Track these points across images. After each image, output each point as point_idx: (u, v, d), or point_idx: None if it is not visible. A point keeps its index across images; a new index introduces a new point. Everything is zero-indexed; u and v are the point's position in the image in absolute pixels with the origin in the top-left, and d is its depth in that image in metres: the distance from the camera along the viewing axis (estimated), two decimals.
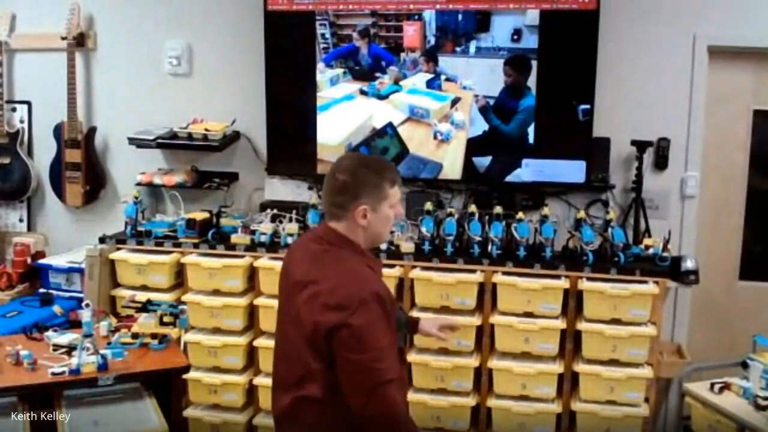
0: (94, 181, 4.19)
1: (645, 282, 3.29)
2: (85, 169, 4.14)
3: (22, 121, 4.29)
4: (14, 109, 4.29)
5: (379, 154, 2.39)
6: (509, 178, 3.70)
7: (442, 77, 3.69)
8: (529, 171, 3.66)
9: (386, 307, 1.95)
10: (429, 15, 3.65)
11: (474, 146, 3.70)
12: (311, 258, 2.06)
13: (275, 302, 2.29)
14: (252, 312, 3.60)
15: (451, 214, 3.53)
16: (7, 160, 4.21)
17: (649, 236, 3.57)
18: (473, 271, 3.39)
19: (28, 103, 4.29)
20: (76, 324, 3.23)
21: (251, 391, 3.62)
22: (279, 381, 2.12)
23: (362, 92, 3.79)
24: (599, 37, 3.49)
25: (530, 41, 3.56)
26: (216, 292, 3.58)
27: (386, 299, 1.97)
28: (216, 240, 3.69)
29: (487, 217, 3.51)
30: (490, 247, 3.42)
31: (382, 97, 3.76)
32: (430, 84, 3.71)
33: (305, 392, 1.98)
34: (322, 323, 1.90)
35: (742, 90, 3.72)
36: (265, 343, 3.47)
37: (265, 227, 3.62)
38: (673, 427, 3.48)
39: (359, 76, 3.79)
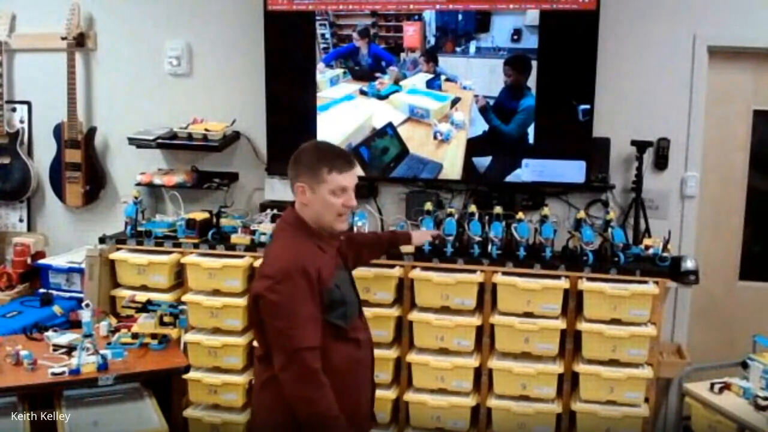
0: (94, 181, 4.19)
1: (645, 282, 3.29)
2: (85, 169, 4.14)
3: (22, 121, 4.29)
4: (14, 109, 4.29)
5: (337, 146, 2.49)
6: (509, 178, 3.70)
7: (442, 77, 3.69)
8: (529, 171, 3.66)
9: (311, 281, 2.15)
10: (429, 15, 3.65)
11: (474, 146, 3.70)
12: (273, 237, 2.43)
13: None
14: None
15: (451, 214, 3.53)
16: (7, 160, 4.21)
17: (649, 236, 3.57)
18: (473, 272, 3.39)
19: (28, 103, 4.29)
20: (76, 324, 3.24)
21: (251, 391, 3.62)
22: (255, 360, 2.46)
23: (362, 92, 3.79)
24: (599, 37, 3.49)
25: (530, 41, 3.56)
26: (216, 292, 3.58)
27: (313, 275, 2.16)
28: (216, 240, 3.69)
29: (487, 217, 3.51)
30: (490, 247, 3.42)
31: (382, 97, 3.77)
32: (430, 84, 3.71)
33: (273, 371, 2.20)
34: (253, 290, 2.22)
35: (742, 90, 3.72)
36: None
37: (265, 227, 3.62)
38: (673, 427, 3.49)
39: (359, 76, 3.79)
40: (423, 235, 3.31)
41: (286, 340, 2.12)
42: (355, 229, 3.45)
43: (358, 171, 2.33)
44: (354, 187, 2.30)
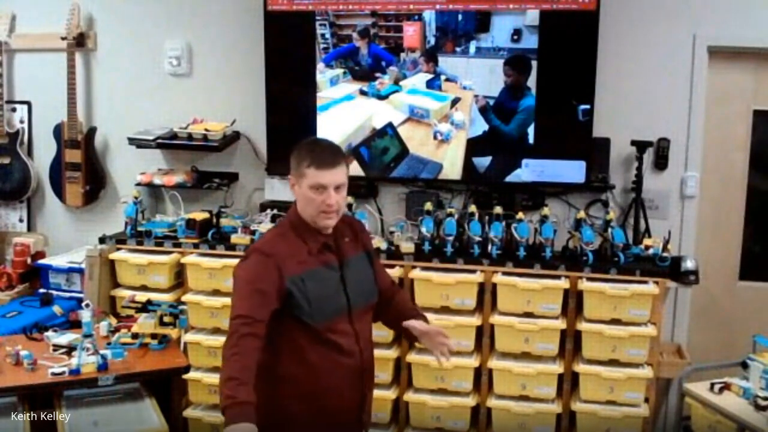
0: (94, 181, 4.19)
1: (645, 282, 3.29)
2: (85, 169, 4.14)
3: (22, 121, 4.29)
4: (14, 109, 4.29)
5: (331, 142, 2.42)
6: (509, 178, 3.69)
7: (442, 77, 3.69)
8: (529, 171, 3.66)
9: (269, 263, 2.18)
10: (429, 15, 3.65)
11: (474, 146, 3.70)
12: None
13: None
14: None
15: (451, 215, 3.53)
16: (7, 160, 4.21)
17: (649, 236, 3.57)
18: (473, 272, 3.39)
19: (28, 103, 4.29)
20: (76, 324, 3.24)
21: None
22: None
23: (362, 92, 3.79)
24: (599, 37, 3.49)
25: (530, 41, 3.56)
26: (216, 292, 3.58)
27: (273, 258, 2.18)
28: (216, 240, 3.70)
29: (487, 218, 3.51)
30: (490, 248, 3.42)
31: (382, 97, 3.76)
32: (430, 84, 3.71)
33: None
34: None
35: (742, 90, 3.72)
36: None
37: (265, 227, 3.62)
38: (673, 427, 3.48)
39: (359, 76, 3.79)
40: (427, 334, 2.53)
41: (232, 308, 2.17)
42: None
43: (340, 171, 2.24)
44: (336, 187, 2.23)
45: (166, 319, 2.93)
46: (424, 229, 3.50)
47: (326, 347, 2.25)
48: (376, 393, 2.66)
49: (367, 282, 2.41)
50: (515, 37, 3.57)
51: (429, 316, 3.38)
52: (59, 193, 4.21)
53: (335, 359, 2.26)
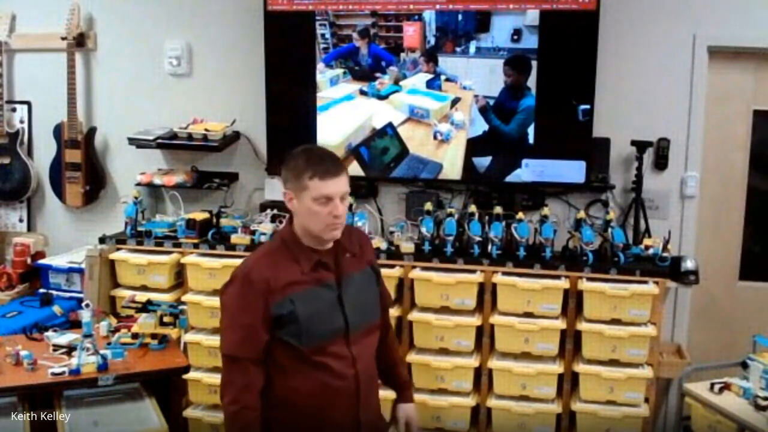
0: (94, 181, 4.19)
1: (645, 282, 3.29)
2: (85, 169, 4.14)
3: (22, 121, 4.29)
4: (14, 109, 4.29)
5: (327, 149, 2.26)
6: (509, 178, 3.69)
7: (442, 77, 3.69)
8: (529, 171, 3.66)
9: (255, 290, 2.06)
10: (429, 15, 3.65)
11: (474, 146, 3.70)
12: None
13: None
14: None
15: (451, 215, 3.53)
16: (7, 160, 4.21)
17: (649, 236, 3.57)
18: (473, 272, 3.39)
19: (28, 103, 4.29)
20: (76, 324, 3.24)
21: None
22: None
23: (362, 92, 3.79)
24: (599, 37, 3.49)
25: (530, 41, 3.56)
26: (216, 292, 3.56)
27: (259, 284, 2.06)
28: (216, 240, 3.70)
29: (487, 218, 3.51)
30: (490, 248, 3.42)
31: (382, 97, 3.76)
32: (430, 84, 3.71)
33: None
34: None
35: (742, 90, 3.72)
36: None
37: (265, 227, 3.62)
38: (673, 427, 3.49)
39: (359, 77, 3.79)
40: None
41: (220, 341, 2.13)
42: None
43: (344, 180, 2.11)
44: (342, 196, 2.10)
45: (166, 319, 2.92)
46: (424, 229, 3.50)
47: (313, 369, 2.10)
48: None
49: (370, 301, 2.26)
50: (515, 37, 3.57)
51: (429, 316, 3.40)
52: (59, 193, 4.21)
53: (323, 382, 2.11)
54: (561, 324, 3.32)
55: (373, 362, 2.27)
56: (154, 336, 2.91)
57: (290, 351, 2.09)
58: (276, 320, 2.06)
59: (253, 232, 3.64)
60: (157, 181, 3.97)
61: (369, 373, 2.23)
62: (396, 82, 3.74)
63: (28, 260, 4.06)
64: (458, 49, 3.65)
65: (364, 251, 2.28)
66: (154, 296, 3.37)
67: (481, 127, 3.68)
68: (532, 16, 3.54)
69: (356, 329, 2.17)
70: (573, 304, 3.36)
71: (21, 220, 4.37)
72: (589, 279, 3.32)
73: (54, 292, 3.87)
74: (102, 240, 3.79)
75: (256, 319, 2.06)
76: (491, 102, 3.65)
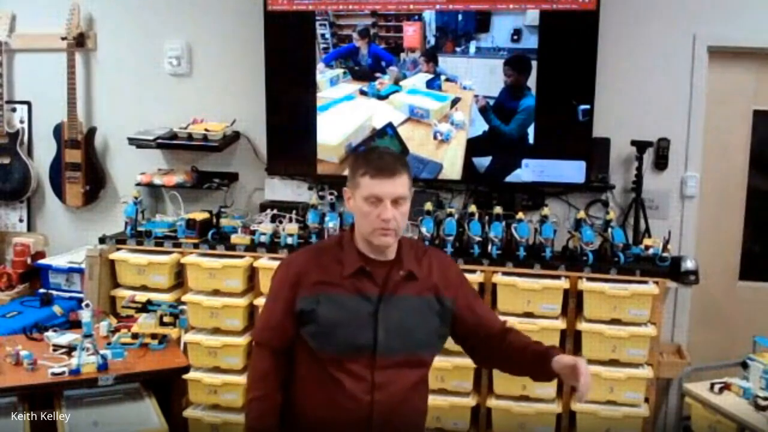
0: (94, 181, 4.19)
1: (645, 282, 3.29)
2: (85, 169, 4.14)
3: (22, 121, 4.29)
4: (14, 109, 4.29)
5: (392, 150, 2.21)
6: (509, 178, 3.69)
7: (442, 77, 3.68)
8: (529, 171, 3.66)
9: (286, 278, 2.05)
10: (429, 15, 3.65)
11: (474, 146, 3.70)
12: None
13: None
14: (252, 312, 3.60)
15: (451, 215, 3.53)
16: (7, 160, 4.21)
17: (649, 236, 3.57)
18: (473, 272, 3.39)
19: (28, 103, 4.29)
20: (76, 324, 3.23)
21: None
22: None
23: (362, 92, 3.79)
24: (599, 37, 3.49)
25: (530, 41, 3.56)
26: (216, 292, 3.58)
27: (292, 275, 2.04)
28: (216, 240, 3.69)
29: (487, 218, 3.51)
30: (490, 248, 3.42)
31: (382, 97, 3.76)
32: (430, 84, 3.71)
33: None
34: None
35: (742, 90, 3.72)
36: None
37: (265, 227, 3.62)
38: (673, 427, 3.49)
39: (359, 77, 3.79)
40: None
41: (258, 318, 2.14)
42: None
43: (400, 182, 1.96)
44: (395, 199, 1.95)
45: (166, 319, 2.92)
46: (424, 229, 3.50)
47: (327, 382, 1.99)
48: None
49: (417, 331, 2.03)
50: (515, 37, 3.57)
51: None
52: (59, 193, 4.21)
53: (333, 398, 1.99)
54: (561, 324, 3.32)
55: (404, 399, 2.03)
56: (154, 336, 2.91)
57: (309, 355, 2.02)
58: (299, 315, 2.01)
59: (253, 232, 3.64)
60: (157, 181, 3.97)
61: (392, 408, 2.00)
62: (396, 82, 3.74)
63: (28, 260, 4.06)
64: (458, 49, 3.65)
65: (432, 276, 2.07)
66: (154, 296, 3.37)
67: (481, 127, 3.68)
68: (532, 16, 3.54)
69: (387, 354, 1.98)
70: (573, 304, 3.36)
71: (21, 220, 4.36)
72: (589, 279, 3.32)
73: (54, 292, 3.86)
74: (102, 240, 3.79)
75: (283, 309, 2.03)
76: (491, 102, 3.65)
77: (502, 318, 2.24)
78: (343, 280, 2.00)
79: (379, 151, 2.10)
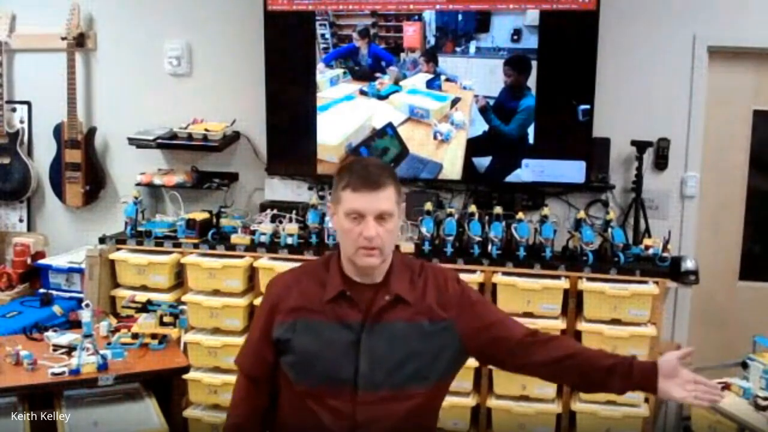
0: (94, 181, 4.19)
1: (645, 282, 3.29)
2: (85, 169, 4.14)
3: (22, 121, 4.29)
4: (14, 109, 4.29)
5: (378, 160, 2.02)
6: (509, 178, 3.69)
7: (442, 77, 3.68)
8: (529, 171, 3.66)
9: (265, 302, 1.91)
10: (429, 15, 3.65)
11: (474, 146, 3.70)
12: None
13: None
14: (252, 312, 3.59)
15: (451, 215, 3.53)
16: (7, 160, 4.21)
17: (649, 236, 3.57)
18: (473, 272, 3.39)
19: (28, 103, 4.29)
20: (76, 324, 3.23)
21: None
22: None
23: (362, 92, 3.79)
24: (599, 37, 3.49)
25: (530, 41, 3.56)
26: (216, 293, 3.58)
27: (272, 299, 1.89)
28: (216, 240, 3.69)
29: (487, 218, 3.51)
30: (490, 248, 3.42)
31: (382, 97, 3.76)
32: (430, 84, 3.71)
33: None
34: None
35: (742, 90, 3.72)
36: None
37: (265, 227, 3.62)
38: (673, 427, 3.48)
39: (359, 77, 3.79)
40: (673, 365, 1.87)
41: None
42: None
43: (385, 196, 1.77)
44: (379, 215, 1.77)
45: (166, 319, 2.92)
46: (424, 229, 3.50)
47: (306, 415, 1.82)
48: None
49: (410, 362, 1.81)
50: (515, 37, 3.57)
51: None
52: (59, 193, 4.21)
53: (310, 428, 1.83)
54: (561, 324, 3.32)
55: None
56: (154, 336, 2.91)
57: (289, 387, 1.86)
58: (276, 343, 1.85)
59: (253, 232, 3.64)
60: (157, 181, 3.97)
61: None
62: (396, 82, 3.74)
63: (28, 260, 4.06)
64: (458, 49, 3.65)
65: (426, 298, 1.86)
66: (154, 296, 3.37)
67: (481, 127, 3.68)
68: (532, 16, 3.54)
69: (370, 389, 1.79)
70: (573, 304, 3.36)
71: (21, 220, 4.36)
72: (589, 279, 3.32)
73: (54, 292, 3.86)
74: (102, 240, 3.79)
75: (260, 335, 1.89)
76: (491, 102, 3.65)
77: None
78: (323, 306, 1.83)
79: (363, 162, 1.89)
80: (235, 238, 3.65)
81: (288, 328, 1.84)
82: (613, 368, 1.81)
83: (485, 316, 1.93)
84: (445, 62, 3.67)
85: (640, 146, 3.58)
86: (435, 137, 3.73)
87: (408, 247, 3.53)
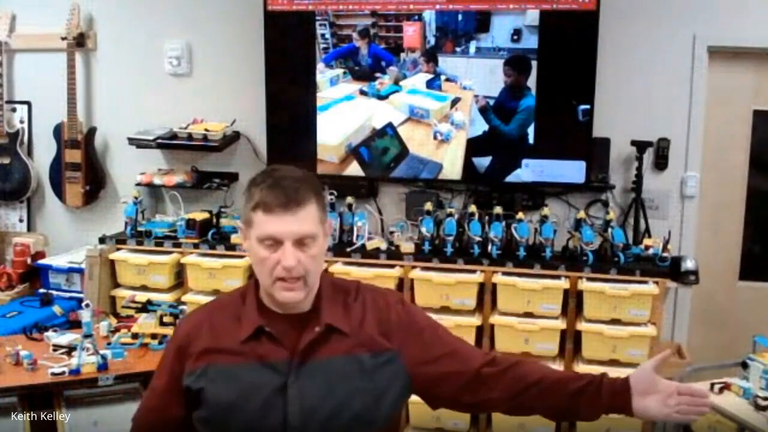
0: (94, 181, 4.19)
1: (645, 282, 3.29)
2: (85, 169, 4.14)
3: (22, 121, 4.29)
4: (14, 109, 4.29)
5: (296, 171, 1.59)
6: (509, 179, 3.69)
7: (442, 77, 3.68)
8: (529, 171, 3.66)
9: (172, 344, 1.63)
10: (429, 15, 3.65)
11: (474, 146, 3.70)
12: None
13: None
14: None
15: (451, 215, 3.53)
16: (7, 160, 4.21)
17: (649, 236, 3.57)
18: (473, 272, 3.39)
19: (28, 103, 4.29)
20: (76, 324, 3.23)
21: None
22: None
23: (362, 92, 3.79)
24: (599, 37, 3.49)
25: (530, 41, 3.56)
26: (216, 293, 3.57)
27: (177, 338, 1.62)
28: (216, 240, 3.70)
29: (487, 218, 3.51)
30: (490, 248, 3.42)
31: (382, 97, 3.76)
32: (430, 84, 3.70)
33: None
34: None
35: (742, 90, 3.72)
36: None
37: None
38: (673, 427, 3.48)
39: (359, 77, 3.79)
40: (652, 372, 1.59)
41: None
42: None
43: (305, 216, 1.50)
44: (300, 240, 1.49)
45: (166, 319, 2.92)
46: (424, 229, 3.50)
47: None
48: None
49: (350, 404, 1.52)
50: (515, 37, 3.57)
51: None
52: (59, 193, 4.21)
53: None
54: (561, 324, 3.32)
55: None
56: (154, 336, 2.90)
57: None
58: (187, 394, 1.56)
59: None
60: (157, 181, 3.97)
61: None
62: (396, 82, 3.74)
63: (28, 260, 4.06)
64: (458, 49, 3.65)
65: (365, 326, 1.58)
66: (154, 296, 3.37)
67: (481, 127, 3.68)
68: (532, 16, 3.54)
69: None
70: (573, 304, 3.36)
71: (21, 220, 4.36)
72: (589, 279, 3.32)
73: (54, 292, 3.86)
74: (102, 240, 3.79)
75: (167, 385, 1.60)
76: (491, 102, 3.65)
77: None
78: (240, 346, 1.53)
79: (276, 175, 1.55)
80: (235, 238, 3.65)
81: (199, 376, 1.54)
82: (582, 390, 1.56)
83: (435, 345, 1.62)
84: (445, 62, 3.67)
85: (640, 146, 3.58)
86: (435, 137, 3.73)
87: (408, 248, 3.53)
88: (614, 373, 3.13)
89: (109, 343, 2.84)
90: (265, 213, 1.49)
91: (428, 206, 3.55)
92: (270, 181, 1.52)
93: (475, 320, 3.37)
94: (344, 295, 1.62)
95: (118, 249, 3.77)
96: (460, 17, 3.62)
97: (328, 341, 1.54)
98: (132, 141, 3.98)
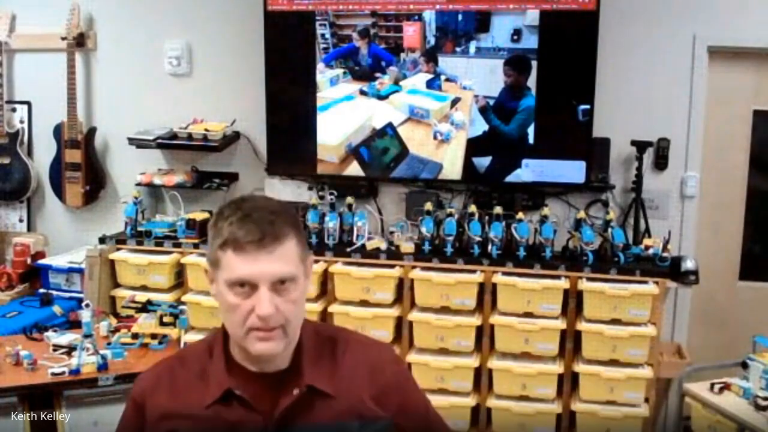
0: (94, 181, 4.19)
1: (645, 282, 3.29)
2: (85, 169, 4.14)
3: (22, 121, 4.29)
4: (14, 109, 4.29)
5: (272, 202, 1.38)
6: (509, 179, 3.69)
7: (442, 77, 3.68)
8: (529, 171, 3.66)
9: (128, 408, 1.43)
10: (429, 15, 3.65)
11: (474, 146, 3.70)
12: None
13: None
14: None
15: (451, 215, 3.53)
16: (7, 160, 4.21)
17: (649, 236, 3.57)
18: (473, 272, 3.39)
19: (28, 103, 4.29)
20: (76, 324, 3.23)
21: None
22: None
23: (362, 92, 3.79)
24: (599, 37, 3.49)
25: (530, 41, 3.56)
26: None
27: (133, 400, 1.42)
28: None
29: (487, 218, 3.51)
30: (490, 248, 3.42)
31: (382, 97, 3.76)
32: (430, 84, 3.70)
33: None
34: None
35: (742, 90, 3.72)
36: None
37: None
38: (673, 427, 3.49)
39: (359, 77, 3.79)
40: None
41: None
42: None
43: (283, 254, 1.28)
44: (277, 284, 1.27)
45: (166, 319, 2.92)
46: (424, 229, 3.50)
47: None
48: None
49: None
50: (515, 37, 3.57)
51: (429, 316, 3.40)
52: (59, 193, 4.21)
53: None
54: (561, 324, 3.32)
55: None
56: (154, 336, 2.90)
57: None
58: None
59: None
60: (157, 181, 3.97)
61: None
62: (396, 82, 3.74)
63: (28, 260, 4.06)
64: (458, 49, 3.64)
65: (355, 386, 1.36)
66: (154, 296, 3.37)
67: (481, 127, 3.68)
68: (532, 16, 3.54)
69: None
70: (573, 304, 3.36)
71: (21, 220, 4.36)
72: (589, 279, 3.32)
73: (54, 292, 3.86)
74: (102, 240, 3.79)
75: None
76: (491, 102, 3.65)
77: None
78: (206, 411, 1.31)
79: (247, 207, 1.31)
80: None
81: None
82: None
83: (423, 413, 1.50)
84: (445, 62, 3.67)
85: (640, 146, 3.58)
86: (435, 137, 3.73)
87: (408, 248, 3.53)
88: (614, 372, 3.15)
89: (109, 343, 2.84)
90: (235, 252, 1.26)
91: (428, 206, 3.55)
92: (240, 214, 1.28)
93: (475, 320, 3.37)
94: (331, 347, 1.39)
95: (118, 249, 3.77)
96: (460, 17, 3.62)
97: (310, 406, 1.31)
98: (132, 141, 3.98)
